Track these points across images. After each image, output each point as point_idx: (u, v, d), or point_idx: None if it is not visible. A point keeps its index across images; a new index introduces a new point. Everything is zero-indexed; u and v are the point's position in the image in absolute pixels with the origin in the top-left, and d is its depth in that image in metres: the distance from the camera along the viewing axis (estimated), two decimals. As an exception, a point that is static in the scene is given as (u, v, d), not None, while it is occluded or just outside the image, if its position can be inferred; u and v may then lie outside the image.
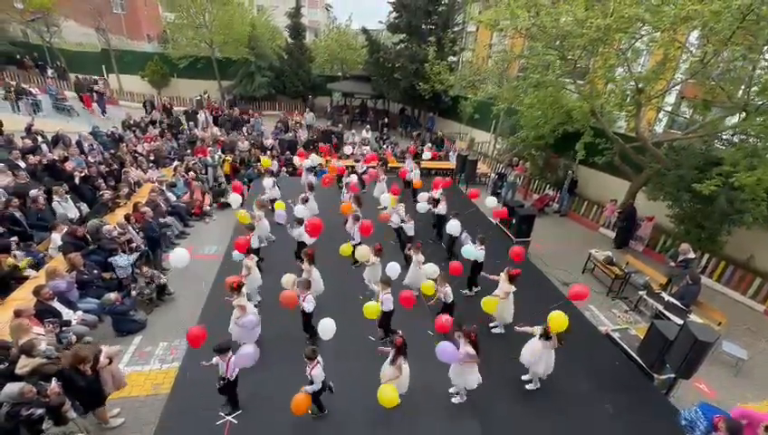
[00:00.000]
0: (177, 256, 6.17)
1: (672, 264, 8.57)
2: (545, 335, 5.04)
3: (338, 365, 4.67)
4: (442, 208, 8.90)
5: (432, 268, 6.48)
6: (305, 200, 8.67)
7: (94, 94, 20.43)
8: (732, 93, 8.89)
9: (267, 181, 10.03)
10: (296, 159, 12.89)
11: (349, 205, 8.44)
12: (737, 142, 9.42)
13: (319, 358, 4.41)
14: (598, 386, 5.62)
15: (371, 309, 5.44)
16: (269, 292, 6.56)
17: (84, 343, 5.58)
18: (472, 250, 7.04)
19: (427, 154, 14.30)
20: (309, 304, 5.45)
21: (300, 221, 7.65)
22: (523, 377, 5.56)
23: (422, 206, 9.04)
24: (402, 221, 8.35)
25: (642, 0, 8.65)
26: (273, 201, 9.20)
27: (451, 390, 5.18)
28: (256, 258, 6.78)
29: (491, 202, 9.51)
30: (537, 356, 5.18)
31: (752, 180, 7.38)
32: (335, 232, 9.01)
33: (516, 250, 7.04)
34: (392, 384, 4.42)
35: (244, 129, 17.96)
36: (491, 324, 6.55)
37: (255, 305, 5.93)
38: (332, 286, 6.84)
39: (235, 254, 6.73)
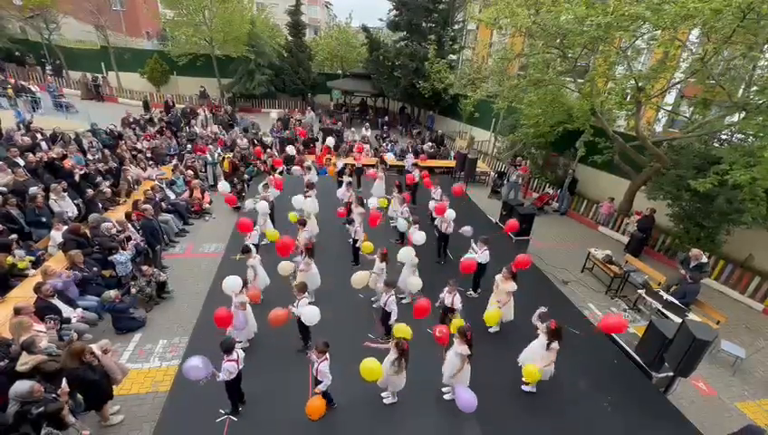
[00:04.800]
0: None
1: (683, 271, 8.11)
2: (549, 335, 4.97)
3: (337, 365, 4.67)
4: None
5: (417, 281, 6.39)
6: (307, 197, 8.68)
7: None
8: (732, 92, 8.88)
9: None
10: (289, 148, 13.80)
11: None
12: (736, 142, 9.43)
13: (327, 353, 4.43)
14: (596, 384, 5.64)
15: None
16: (267, 292, 6.57)
17: (83, 341, 5.58)
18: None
19: (390, 155, 14.18)
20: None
21: (303, 223, 7.68)
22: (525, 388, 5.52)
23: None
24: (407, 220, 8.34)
25: (642, -2, 8.65)
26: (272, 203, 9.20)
27: (444, 389, 5.19)
28: (259, 257, 6.76)
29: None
30: (539, 358, 5.14)
31: (747, 178, 7.40)
32: (335, 231, 9.04)
33: (522, 259, 6.71)
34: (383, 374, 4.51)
35: (237, 128, 17.98)
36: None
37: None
38: (332, 286, 6.85)
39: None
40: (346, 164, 12.17)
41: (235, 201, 9.60)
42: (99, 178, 10.11)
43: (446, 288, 5.89)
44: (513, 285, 6.06)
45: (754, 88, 8.65)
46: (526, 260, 6.77)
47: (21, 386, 4.18)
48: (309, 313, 5.00)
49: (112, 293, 6.48)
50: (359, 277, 6.14)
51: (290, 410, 4.76)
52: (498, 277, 6.23)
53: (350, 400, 4.95)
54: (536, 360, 5.16)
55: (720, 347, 6.99)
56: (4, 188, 8.25)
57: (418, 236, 7.28)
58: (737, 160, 7.86)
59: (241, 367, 4.42)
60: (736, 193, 8.14)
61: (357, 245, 7.63)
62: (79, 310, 6.26)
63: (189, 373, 4.08)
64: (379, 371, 4.37)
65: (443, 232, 8.14)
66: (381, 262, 6.44)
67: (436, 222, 8.51)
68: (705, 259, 8.19)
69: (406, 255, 6.44)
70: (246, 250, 6.46)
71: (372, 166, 12.45)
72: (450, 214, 8.03)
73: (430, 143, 18.15)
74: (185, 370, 4.11)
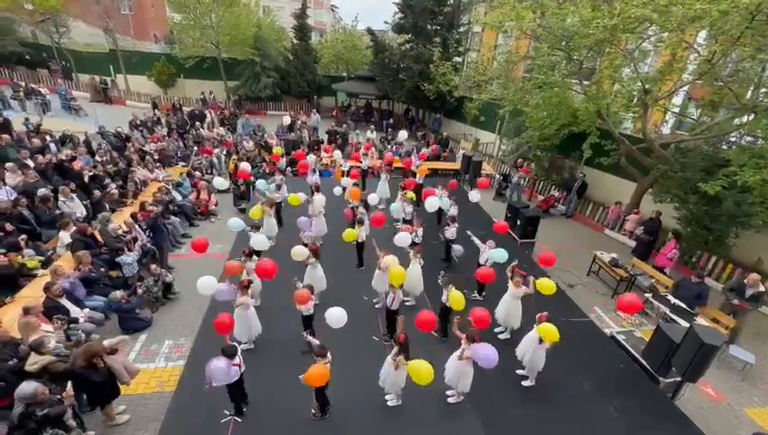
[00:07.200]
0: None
1: (736, 302, 7.19)
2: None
3: (339, 365, 4.68)
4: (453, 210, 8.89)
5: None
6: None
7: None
8: (740, 94, 8.79)
9: (264, 184, 9.79)
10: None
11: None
12: (745, 144, 9.32)
13: (329, 356, 4.44)
14: (602, 388, 5.59)
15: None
16: (267, 295, 6.59)
17: (90, 341, 5.64)
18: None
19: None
20: (309, 309, 5.47)
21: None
22: (518, 371, 5.65)
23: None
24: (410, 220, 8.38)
25: (649, 0, 8.59)
26: (278, 204, 9.23)
27: (448, 392, 5.19)
28: (257, 259, 6.78)
29: (474, 197, 9.67)
30: (531, 349, 5.25)
31: (756, 179, 7.31)
32: (338, 232, 9.04)
33: (546, 256, 6.82)
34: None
35: (240, 128, 18.19)
36: (496, 330, 6.52)
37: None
38: (335, 286, 6.86)
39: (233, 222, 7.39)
40: (351, 166, 12.21)
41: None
42: (107, 180, 10.23)
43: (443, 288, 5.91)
44: (524, 291, 6.05)
45: (763, 90, 8.56)
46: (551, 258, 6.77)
47: (26, 388, 4.20)
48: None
49: (119, 293, 6.55)
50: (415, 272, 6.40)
51: (294, 410, 4.78)
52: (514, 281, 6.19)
53: (353, 401, 4.95)
54: (535, 349, 5.22)
55: (728, 352, 6.90)
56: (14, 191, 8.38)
57: (402, 238, 7.21)
58: (746, 162, 7.78)
59: (242, 370, 4.46)
60: (745, 196, 8.04)
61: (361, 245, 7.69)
62: (86, 310, 6.35)
63: (216, 375, 4.18)
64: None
65: (447, 237, 8.16)
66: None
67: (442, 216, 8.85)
68: (762, 288, 7.07)
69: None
70: (250, 253, 6.50)
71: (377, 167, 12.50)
72: (445, 202, 8.66)
73: (435, 145, 18.15)
74: (211, 371, 4.19)
